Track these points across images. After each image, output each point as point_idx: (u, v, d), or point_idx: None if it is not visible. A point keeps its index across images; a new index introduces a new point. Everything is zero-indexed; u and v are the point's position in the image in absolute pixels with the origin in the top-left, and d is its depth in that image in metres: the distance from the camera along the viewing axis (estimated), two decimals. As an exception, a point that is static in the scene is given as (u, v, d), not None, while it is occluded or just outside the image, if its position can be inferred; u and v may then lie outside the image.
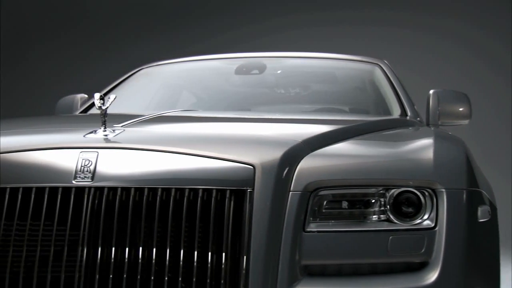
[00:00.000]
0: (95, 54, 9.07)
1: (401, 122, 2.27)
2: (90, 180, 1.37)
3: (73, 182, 1.37)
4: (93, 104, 3.06)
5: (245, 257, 1.33)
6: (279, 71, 3.15)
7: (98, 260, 1.34)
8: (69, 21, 9.23)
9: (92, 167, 1.38)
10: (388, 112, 2.69)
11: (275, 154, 1.40)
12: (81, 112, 2.99)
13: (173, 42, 8.91)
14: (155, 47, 8.68)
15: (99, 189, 1.37)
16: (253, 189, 1.35)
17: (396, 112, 2.62)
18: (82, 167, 1.38)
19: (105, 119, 1.50)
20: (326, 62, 3.18)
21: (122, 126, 1.56)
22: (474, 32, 6.51)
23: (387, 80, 2.89)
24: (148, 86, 3.26)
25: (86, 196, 1.37)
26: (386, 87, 2.87)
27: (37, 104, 8.80)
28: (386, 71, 2.95)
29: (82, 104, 3.16)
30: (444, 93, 2.69)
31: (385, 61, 3.10)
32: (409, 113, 2.55)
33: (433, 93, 2.69)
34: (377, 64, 3.04)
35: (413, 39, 6.66)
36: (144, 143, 1.44)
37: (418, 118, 2.57)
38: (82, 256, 1.35)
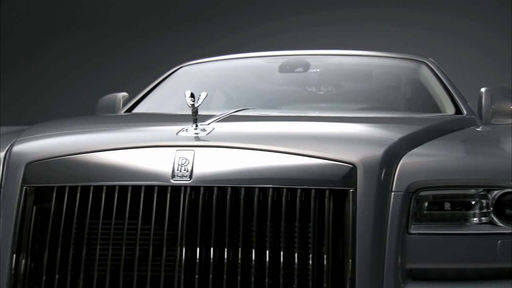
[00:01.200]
0: (107, 55, 9.06)
1: (467, 121, 2.24)
2: (188, 179, 1.34)
3: (171, 181, 1.35)
4: (137, 103, 3.03)
5: (350, 260, 1.29)
6: (323, 69, 3.12)
7: (197, 260, 1.32)
8: (76, 21, 9.22)
9: (189, 166, 1.35)
10: (438, 110, 2.65)
11: (376, 153, 1.36)
12: (126, 112, 2.95)
13: (182, 42, 8.90)
14: (165, 47, 8.68)
15: (196, 188, 1.35)
16: (355, 189, 1.32)
17: (449, 110, 2.57)
18: (180, 166, 1.36)
19: (197, 117, 1.47)
20: (371, 60, 3.14)
21: (209, 124, 1.53)
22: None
23: (436, 78, 2.85)
24: (190, 84, 3.22)
25: (182, 195, 1.35)
26: (435, 85, 2.83)
27: (45, 106, 8.82)
28: (434, 69, 2.91)
29: (124, 103, 3.12)
30: (497, 91, 2.64)
31: (431, 59, 3.06)
32: (464, 111, 2.51)
33: (486, 91, 2.64)
34: (423, 62, 3.00)
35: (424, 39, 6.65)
36: (240, 141, 1.40)
37: (473, 116, 2.53)
38: (181, 256, 1.32)
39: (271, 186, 1.34)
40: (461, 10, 6.68)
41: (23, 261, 1.36)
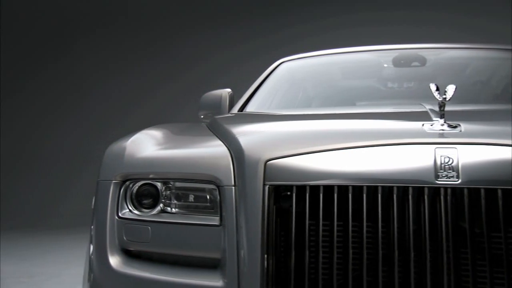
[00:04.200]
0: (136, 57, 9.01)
1: None
2: (456, 180, 1.21)
3: (436, 182, 1.22)
4: (248, 101, 2.90)
5: None
6: (440, 63, 2.98)
7: (469, 268, 1.19)
8: (114, 15, 9.17)
9: (454, 165, 1.22)
10: None
11: None
12: (239, 110, 2.82)
13: (214, 42, 8.83)
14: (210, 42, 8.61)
15: (460, 189, 1.22)
16: None
17: None
18: (443, 165, 1.22)
19: (444, 112, 1.34)
20: (489, 52, 2.99)
21: (442, 118, 1.39)
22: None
23: None
24: (298, 81, 3.10)
25: (443, 197, 1.21)
26: None
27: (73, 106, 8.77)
28: None
29: (230, 100, 3.00)
30: None
31: None
32: None
33: None
34: None
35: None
36: (504, 138, 1.27)
37: None
38: (448, 262, 1.19)
39: None
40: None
41: (271, 261, 1.27)
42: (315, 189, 1.27)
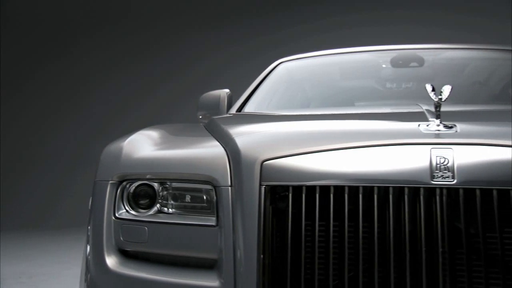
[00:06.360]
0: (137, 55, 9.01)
1: None
2: (451, 180, 1.21)
3: (432, 182, 1.22)
4: (246, 101, 2.90)
5: None
6: (438, 63, 2.98)
7: (465, 268, 1.19)
8: (113, 16, 9.18)
9: (450, 166, 1.22)
10: None
11: None
12: (237, 111, 2.82)
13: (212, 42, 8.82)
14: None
15: (456, 190, 1.21)
16: None
17: None
18: (439, 166, 1.22)
19: (440, 112, 1.34)
20: (486, 53, 2.99)
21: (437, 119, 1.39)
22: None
23: None
24: (296, 81, 3.10)
25: (438, 197, 1.21)
26: None
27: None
28: None
29: (228, 100, 3.00)
30: None
31: None
32: None
33: None
34: None
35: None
36: (502, 138, 1.27)
37: None
38: (444, 264, 1.19)
39: None
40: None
41: (267, 261, 1.27)
42: (311, 189, 1.27)
